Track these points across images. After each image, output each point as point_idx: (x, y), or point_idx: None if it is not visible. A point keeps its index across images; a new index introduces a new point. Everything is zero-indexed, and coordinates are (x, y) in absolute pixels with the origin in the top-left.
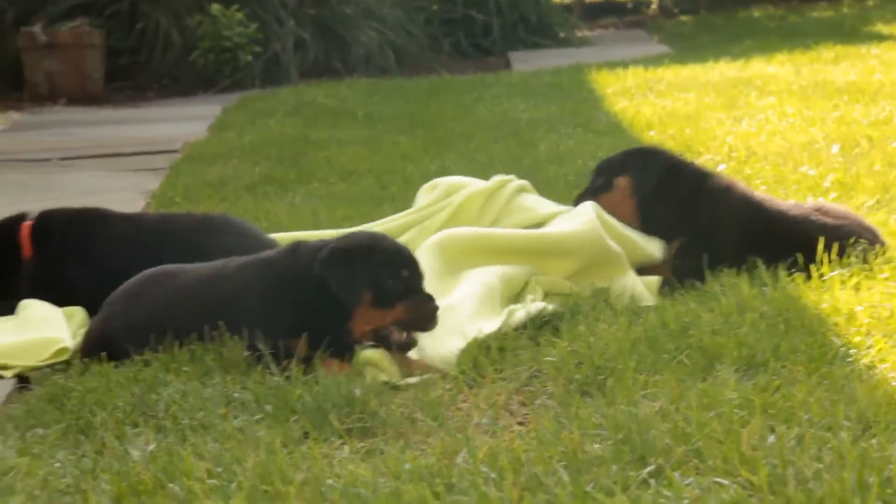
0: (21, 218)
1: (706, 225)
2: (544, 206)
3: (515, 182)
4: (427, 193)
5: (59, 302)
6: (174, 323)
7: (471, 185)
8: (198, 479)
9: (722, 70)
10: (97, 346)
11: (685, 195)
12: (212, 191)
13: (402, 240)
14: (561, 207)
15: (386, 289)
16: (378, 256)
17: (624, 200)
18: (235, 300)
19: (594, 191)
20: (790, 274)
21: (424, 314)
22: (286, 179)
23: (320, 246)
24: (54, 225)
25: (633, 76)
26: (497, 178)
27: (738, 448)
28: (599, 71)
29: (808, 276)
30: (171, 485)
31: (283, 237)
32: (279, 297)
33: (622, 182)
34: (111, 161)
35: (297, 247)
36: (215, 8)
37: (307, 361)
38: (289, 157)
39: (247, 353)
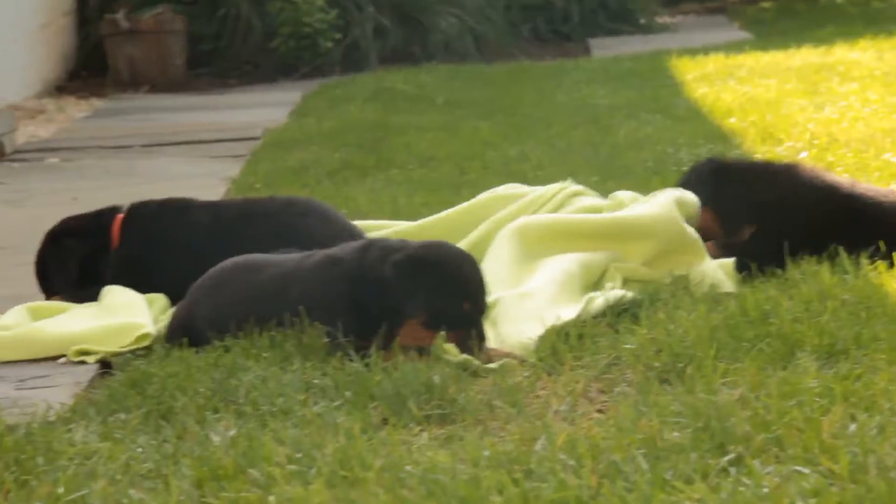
0: (114, 210)
1: (783, 210)
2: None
3: (573, 186)
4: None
5: (144, 289)
6: (254, 315)
7: (530, 193)
8: (278, 464)
9: (804, 56)
10: (180, 332)
11: (758, 184)
12: (292, 177)
13: (473, 236)
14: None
15: (441, 315)
16: (448, 281)
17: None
18: (307, 299)
19: None
20: (872, 262)
21: (466, 348)
22: (365, 165)
23: (397, 247)
24: (142, 215)
25: (713, 62)
26: (554, 185)
27: (818, 436)
28: (679, 57)
29: (891, 264)
30: (251, 470)
31: (365, 225)
32: (343, 297)
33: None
34: (192, 147)
35: (368, 246)
36: None
37: (386, 349)
38: (368, 142)
39: (325, 339)
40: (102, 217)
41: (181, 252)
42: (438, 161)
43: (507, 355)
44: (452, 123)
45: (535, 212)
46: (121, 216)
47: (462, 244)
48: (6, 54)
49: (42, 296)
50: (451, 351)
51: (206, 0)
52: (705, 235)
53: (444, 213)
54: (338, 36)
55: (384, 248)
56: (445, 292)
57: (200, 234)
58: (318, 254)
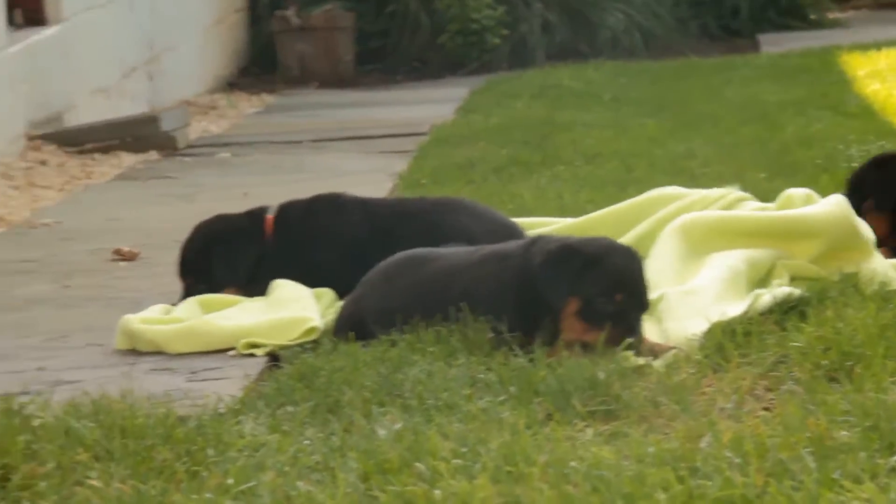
0: (264, 210)
1: None
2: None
3: (736, 193)
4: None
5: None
6: (419, 310)
7: (693, 193)
8: (443, 458)
9: None
10: (347, 327)
11: None
12: (458, 172)
13: (637, 231)
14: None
15: (594, 306)
16: (598, 271)
17: (876, 223)
18: (471, 293)
19: None
20: None
21: (620, 343)
22: (531, 162)
23: (558, 242)
24: (293, 213)
25: (885, 58)
26: (719, 190)
27: None
28: (850, 53)
29: None
30: (416, 464)
31: (527, 222)
32: (509, 292)
33: (868, 206)
34: (360, 143)
35: (535, 241)
36: None
37: (550, 345)
38: (534, 139)
39: (490, 335)
40: (254, 216)
41: (332, 249)
42: (604, 158)
43: (672, 349)
44: (619, 120)
45: (702, 209)
46: (270, 216)
47: (625, 240)
48: (180, 51)
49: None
50: (629, 357)
51: None
52: (879, 241)
53: (606, 210)
54: (505, 32)
55: (546, 243)
56: (593, 282)
57: (352, 231)
58: (485, 249)
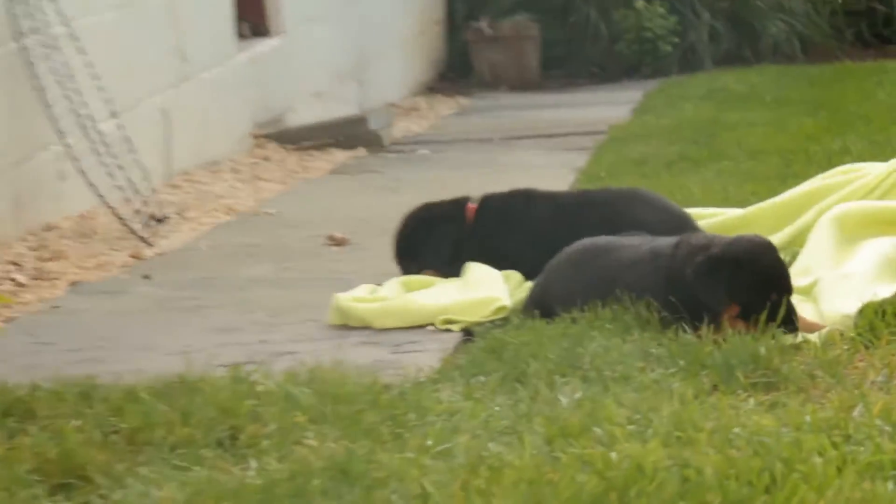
0: (466, 199)
1: None
2: None
3: None
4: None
5: (495, 267)
6: (596, 296)
7: (857, 178)
8: (618, 424)
9: None
10: (534, 306)
11: None
12: (633, 167)
13: (799, 222)
14: None
15: (750, 308)
16: (750, 275)
17: None
18: (633, 288)
19: None
20: None
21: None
22: (699, 158)
23: (703, 245)
24: (492, 203)
25: None
26: (886, 165)
27: None
28: None
29: None
30: (595, 428)
31: (695, 213)
32: (660, 291)
33: None
34: (545, 141)
35: (679, 243)
36: (640, 3)
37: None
38: (702, 137)
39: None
40: (458, 204)
41: (525, 236)
42: (766, 154)
43: (827, 328)
44: (779, 119)
45: (873, 188)
46: (472, 205)
47: (788, 230)
48: (387, 59)
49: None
50: (811, 340)
51: (558, 9)
52: None
53: (770, 201)
54: (676, 40)
55: (691, 247)
56: (748, 287)
57: (543, 221)
58: (647, 245)
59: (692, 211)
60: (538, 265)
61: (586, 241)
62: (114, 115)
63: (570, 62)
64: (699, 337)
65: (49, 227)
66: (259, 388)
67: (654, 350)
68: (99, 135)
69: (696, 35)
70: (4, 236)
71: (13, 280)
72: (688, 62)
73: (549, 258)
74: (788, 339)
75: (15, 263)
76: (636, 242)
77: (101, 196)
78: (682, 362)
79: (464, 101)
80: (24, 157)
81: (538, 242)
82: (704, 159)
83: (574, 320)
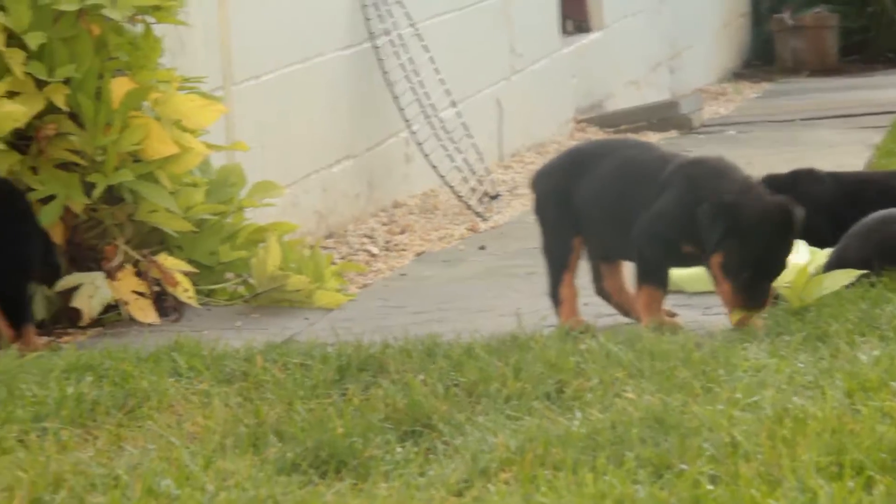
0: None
1: None
2: None
3: None
4: None
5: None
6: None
7: None
8: None
9: None
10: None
11: None
12: None
13: None
14: None
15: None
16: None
17: None
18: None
19: None
20: None
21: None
22: None
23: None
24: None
25: None
26: None
27: None
28: None
29: None
30: (892, 383)
31: None
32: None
33: None
34: (843, 120)
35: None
36: None
37: None
38: None
39: None
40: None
41: (811, 211)
42: None
43: None
44: None
45: None
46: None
47: None
48: (696, 49)
49: None
50: None
51: (857, 0)
52: None
53: None
54: None
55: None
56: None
57: (826, 197)
58: None
59: None
60: (823, 237)
61: (883, 213)
62: (453, 104)
63: (868, 48)
64: None
65: (397, 205)
66: (582, 347)
67: None
68: (440, 122)
69: None
70: (361, 213)
71: (367, 251)
72: None
73: (833, 230)
74: None
75: (369, 237)
76: None
77: (442, 176)
78: None
79: (767, 85)
80: (376, 143)
81: (823, 216)
82: None
83: (872, 284)
